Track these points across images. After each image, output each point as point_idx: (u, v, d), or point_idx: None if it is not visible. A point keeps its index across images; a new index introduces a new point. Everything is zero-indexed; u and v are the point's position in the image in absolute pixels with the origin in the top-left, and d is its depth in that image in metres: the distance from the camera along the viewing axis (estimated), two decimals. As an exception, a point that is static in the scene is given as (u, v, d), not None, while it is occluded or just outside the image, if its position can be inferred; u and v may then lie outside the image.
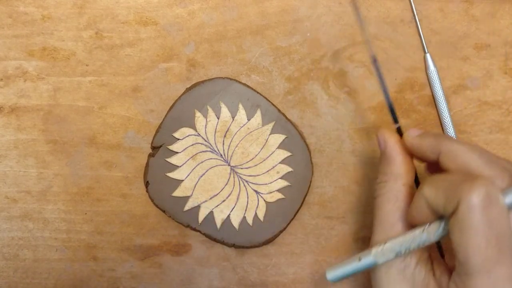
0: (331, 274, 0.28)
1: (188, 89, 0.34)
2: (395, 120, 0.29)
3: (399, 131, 0.29)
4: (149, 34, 0.35)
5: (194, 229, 0.33)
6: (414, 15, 0.35)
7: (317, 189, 0.35)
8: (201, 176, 0.33)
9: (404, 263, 0.25)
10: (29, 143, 0.35)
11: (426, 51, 0.35)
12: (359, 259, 0.26)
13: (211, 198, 0.33)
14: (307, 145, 0.34)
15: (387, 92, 0.29)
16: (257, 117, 0.34)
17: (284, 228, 0.34)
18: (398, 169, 0.27)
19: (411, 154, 0.27)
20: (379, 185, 0.27)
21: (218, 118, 0.34)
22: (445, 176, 0.24)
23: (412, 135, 0.27)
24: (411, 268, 0.25)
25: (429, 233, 0.24)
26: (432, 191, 0.23)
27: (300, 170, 0.34)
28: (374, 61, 0.29)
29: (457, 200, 0.22)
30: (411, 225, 0.26)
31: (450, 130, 0.34)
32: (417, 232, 0.25)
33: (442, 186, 0.23)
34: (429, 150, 0.26)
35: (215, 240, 0.33)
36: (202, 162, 0.33)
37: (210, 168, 0.33)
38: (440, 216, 0.24)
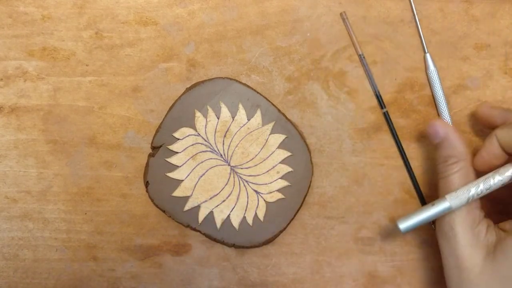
0: (404, 224, 0.29)
1: (188, 89, 0.34)
2: (382, 106, 0.34)
3: (387, 116, 0.34)
4: (149, 34, 0.35)
5: (194, 229, 0.33)
6: (414, 15, 0.35)
7: (317, 189, 0.35)
8: (201, 176, 0.33)
9: (478, 228, 0.29)
10: (29, 143, 0.35)
11: (426, 51, 0.35)
12: (433, 205, 0.29)
13: (211, 198, 0.33)
14: (307, 145, 0.34)
15: (372, 79, 0.34)
16: (257, 117, 0.34)
17: (284, 228, 0.34)
18: (464, 149, 0.30)
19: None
20: (450, 166, 0.30)
21: (218, 118, 0.34)
22: None
23: (486, 105, 0.32)
24: (483, 232, 0.28)
25: (501, 173, 0.28)
26: (505, 129, 0.28)
27: (300, 170, 0.34)
28: (362, 57, 0.34)
29: None
30: (479, 170, 0.30)
31: None
32: (489, 174, 0.28)
33: None
34: (499, 117, 0.30)
35: (215, 240, 0.33)
36: (202, 162, 0.33)
37: (210, 168, 0.33)
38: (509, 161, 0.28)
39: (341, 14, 0.35)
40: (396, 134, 0.35)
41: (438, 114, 0.35)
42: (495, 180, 0.28)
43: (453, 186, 0.29)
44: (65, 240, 0.35)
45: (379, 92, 0.35)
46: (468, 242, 0.28)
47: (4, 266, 0.35)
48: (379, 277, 0.35)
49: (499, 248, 0.28)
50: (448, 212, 0.29)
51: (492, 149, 0.29)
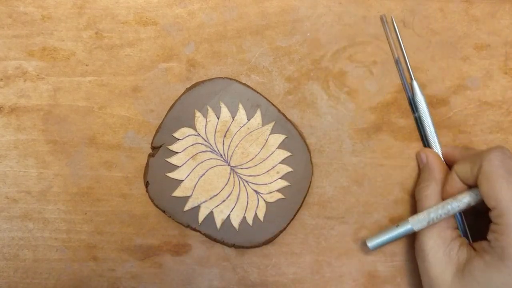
0: (372, 243, 0.32)
1: (188, 89, 0.34)
2: (414, 110, 0.35)
3: (418, 121, 0.35)
4: (149, 34, 0.35)
5: (194, 229, 0.33)
6: (401, 49, 0.35)
7: (317, 189, 0.35)
8: (201, 176, 0.33)
9: (450, 247, 0.30)
10: (29, 143, 0.35)
11: (413, 78, 0.34)
12: (397, 226, 0.32)
13: (211, 198, 0.33)
14: (307, 145, 0.34)
15: (407, 87, 0.35)
16: (257, 117, 0.34)
17: (284, 228, 0.34)
18: (438, 176, 0.32)
19: (446, 166, 0.34)
20: (423, 188, 0.32)
21: (218, 118, 0.34)
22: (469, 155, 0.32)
23: (448, 147, 0.34)
24: (455, 250, 0.30)
25: (458, 200, 0.30)
26: (461, 164, 0.31)
27: (300, 170, 0.34)
28: (397, 61, 0.35)
29: (481, 161, 0.28)
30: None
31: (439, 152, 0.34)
32: (447, 200, 0.30)
33: (467, 159, 0.30)
34: (459, 155, 0.33)
35: (215, 240, 0.33)
36: (202, 162, 0.33)
37: (210, 168, 0.33)
38: (469, 188, 0.30)
39: (381, 17, 0.35)
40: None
41: (427, 142, 0.35)
42: (453, 205, 0.30)
43: (421, 208, 0.32)
44: (65, 240, 0.35)
45: (411, 97, 0.35)
46: (438, 260, 0.30)
47: (4, 266, 0.35)
48: (379, 277, 0.35)
49: (467, 267, 0.29)
50: (422, 232, 0.31)
51: (454, 183, 0.31)
